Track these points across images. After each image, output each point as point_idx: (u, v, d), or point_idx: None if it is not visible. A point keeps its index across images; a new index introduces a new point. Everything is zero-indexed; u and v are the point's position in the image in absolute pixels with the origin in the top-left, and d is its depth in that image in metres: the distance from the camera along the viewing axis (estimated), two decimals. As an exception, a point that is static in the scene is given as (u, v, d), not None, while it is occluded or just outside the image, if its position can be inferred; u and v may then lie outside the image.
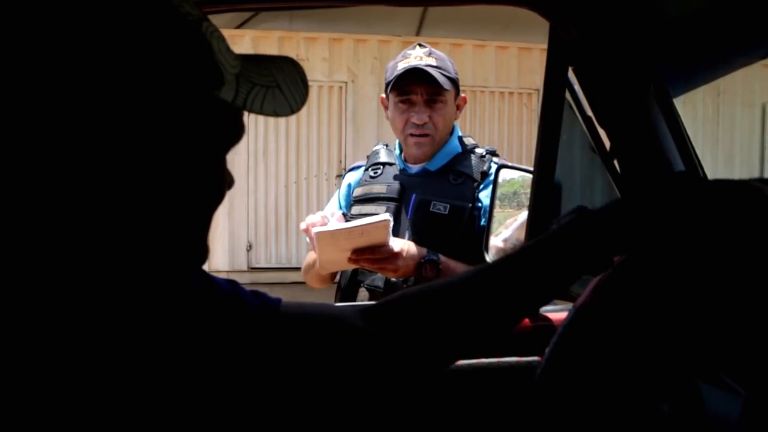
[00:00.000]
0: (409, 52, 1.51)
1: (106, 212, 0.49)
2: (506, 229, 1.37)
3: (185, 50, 0.48)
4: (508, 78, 6.00)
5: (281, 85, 0.53)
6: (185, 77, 0.48)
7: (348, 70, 5.75)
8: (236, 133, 0.55)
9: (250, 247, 5.67)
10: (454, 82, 1.50)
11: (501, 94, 6.04)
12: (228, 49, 0.51)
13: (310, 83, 0.56)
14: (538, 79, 5.97)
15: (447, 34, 5.55)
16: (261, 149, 5.62)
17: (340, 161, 5.77)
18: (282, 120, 5.64)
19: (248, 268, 5.63)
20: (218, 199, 0.56)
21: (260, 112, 0.50)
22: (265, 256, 5.71)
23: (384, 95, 1.57)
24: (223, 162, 0.56)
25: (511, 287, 0.66)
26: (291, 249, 5.73)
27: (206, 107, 0.50)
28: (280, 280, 5.36)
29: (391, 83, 1.49)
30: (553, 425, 0.73)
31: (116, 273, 0.52)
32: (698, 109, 6.11)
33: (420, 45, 1.52)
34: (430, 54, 1.48)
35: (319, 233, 1.33)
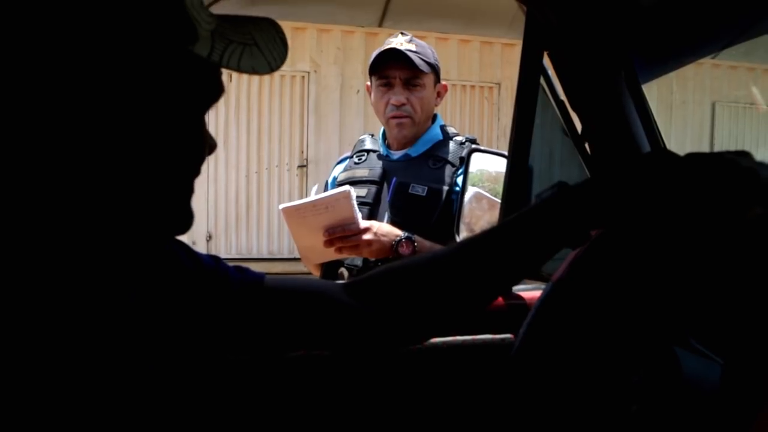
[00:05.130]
0: (390, 39, 1.55)
1: (82, 175, 0.47)
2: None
3: (154, 3, 0.47)
4: (470, 71, 6.06)
5: (259, 43, 0.52)
6: (156, 30, 0.47)
7: (311, 60, 5.70)
8: (214, 91, 0.54)
9: (210, 238, 5.58)
10: (433, 67, 1.55)
11: (463, 87, 6.10)
12: (201, 4, 0.50)
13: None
14: (499, 73, 6.04)
15: (410, 26, 5.56)
16: (222, 138, 5.53)
17: (302, 152, 5.73)
18: (243, 109, 5.56)
19: (208, 258, 5.54)
20: (199, 162, 0.54)
21: (238, 69, 0.50)
22: (225, 247, 5.63)
23: (368, 83, 1.61)
24: (202, 123, 0.54)
25: (495, 259, 0.67)
26: (252, 240, 5.67)
27: (181, 63, 0.49)
28: (240, 270, 5.30)
29: (372, 66, 1.54)
30: (529, 397, 0.76)
31: (97, 240, 0.51)
32: (650, 106, 6.28)
33: (402, 33, 1.56)
34: (410, 41, 1.53)
35: (285, 209, 1.37)
